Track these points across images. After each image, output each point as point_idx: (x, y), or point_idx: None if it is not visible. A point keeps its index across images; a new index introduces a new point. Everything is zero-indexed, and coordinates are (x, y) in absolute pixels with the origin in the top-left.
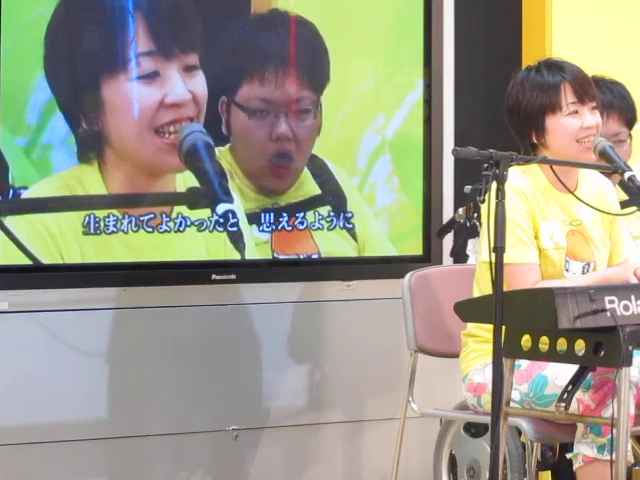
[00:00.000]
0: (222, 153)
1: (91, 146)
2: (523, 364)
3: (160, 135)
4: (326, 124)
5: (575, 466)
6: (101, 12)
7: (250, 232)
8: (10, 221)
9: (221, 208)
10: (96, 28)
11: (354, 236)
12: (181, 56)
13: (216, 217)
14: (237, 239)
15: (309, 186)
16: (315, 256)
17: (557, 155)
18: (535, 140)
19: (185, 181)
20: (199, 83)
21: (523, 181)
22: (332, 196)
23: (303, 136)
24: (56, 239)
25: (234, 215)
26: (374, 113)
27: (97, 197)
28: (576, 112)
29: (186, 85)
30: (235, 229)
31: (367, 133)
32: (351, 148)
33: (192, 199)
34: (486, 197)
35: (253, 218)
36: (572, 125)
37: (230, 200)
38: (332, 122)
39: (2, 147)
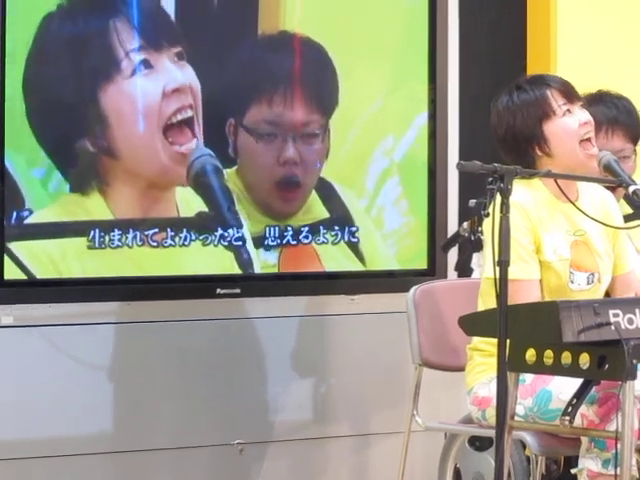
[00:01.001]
0: (229, 175)
1: (94, 169)
2: (527, 379)
3: (170, 142)
4: (334, 146)
5: None
6: (84, 27)
7: (258, 256)
8: (14, 246)
9: (230, 233)
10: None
11: (358, 252)
12: (169, 47)
13: (221, 232)
14: (242, 255)
15: (317, 210)
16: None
17: (563, 163)
18: (540, 152)
19: (188, 202)
20: (191, 74)
21: (524, 196)
22: (340, 219)
23: (311, 160)
24: (57, 264)
25: (243, 241)
26: (383, 134)
27: (103, 222)
28: (569, 111)
29: (181, 73)
30: (239, 243)
31: (375, 155)
32: (359, 170)
33: (201, 224)
34: (490, 211)
35: (260, 241)
36: (570, 124)
37: (239, 225)
38: (340, 144)
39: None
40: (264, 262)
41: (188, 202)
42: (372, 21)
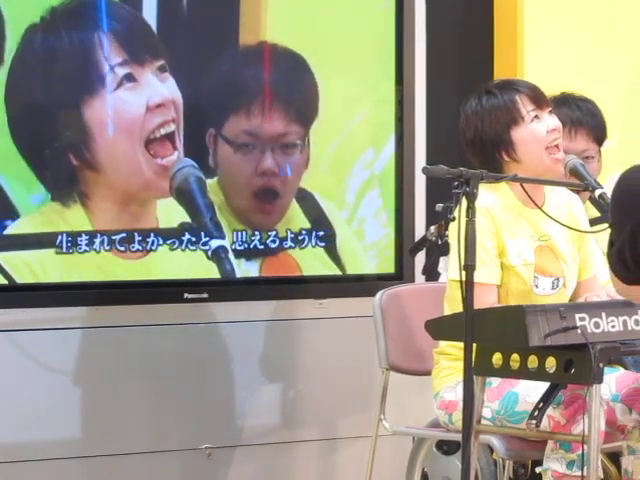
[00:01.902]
0: (210, 186)
1: (72, 183)
2: (494, 382)
3: (151, 154)
4: (315, 157)
5: None
6: (66, 40)
7: (239, 266)
8: None
9: (214, 244)
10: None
11: (339, 261)
12: (152, 60)
13: (188, 236)
14: (224, 265)
15: (298, 220)
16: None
17: (529, 168)
18: (507, 158)
19: (168, 214)
20: (173, 88)
21: (490, 199)
22: (321, 230)
23: (290, 171)
24: (22, 269)
25: (225, 251)
26: (364, 147)
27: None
28: (537, 117)
29: (165, 87)
30: (207, 247)
31: (357, 167)
32: (340, 181)
33: (182, 235)
34: (456, 214)
35: (241, 253)
36: (538, 130)
37: (222, 236)
38: (321, 155)
39: None
40: (246, 272)
41: (168, 214)
42: (351, 32)
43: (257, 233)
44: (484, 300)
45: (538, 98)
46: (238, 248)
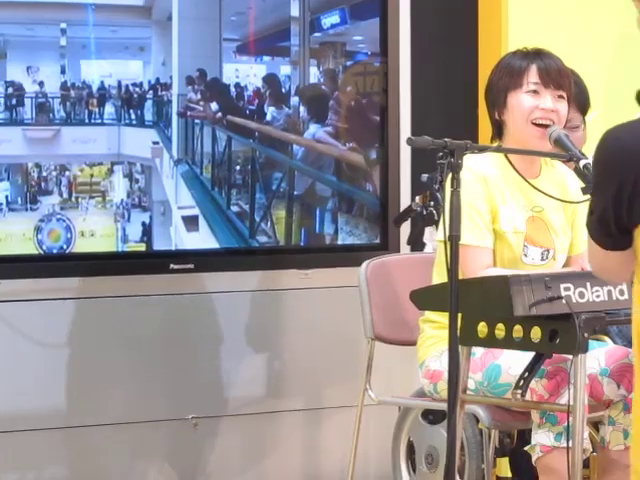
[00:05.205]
0: None
1: None
2: (477, 353)
3: None
4: None
5: (534, 458)
6: None
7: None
8: None
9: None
10: None
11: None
12: None
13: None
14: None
15: None
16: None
17: (514, 135)
18: (497, 117)
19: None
20: None
21: (485, 165)
22: None
23: None
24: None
25: None
26: None
27: None
28: (536, 92)
29: None
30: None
31: None
32: None
33: None
34: (447, 184)
35: None
36: (527, 102)
37: None
38: None
39: None
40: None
41: None
42: None
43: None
44: (481, 261)
45: (547, 76)
46: None
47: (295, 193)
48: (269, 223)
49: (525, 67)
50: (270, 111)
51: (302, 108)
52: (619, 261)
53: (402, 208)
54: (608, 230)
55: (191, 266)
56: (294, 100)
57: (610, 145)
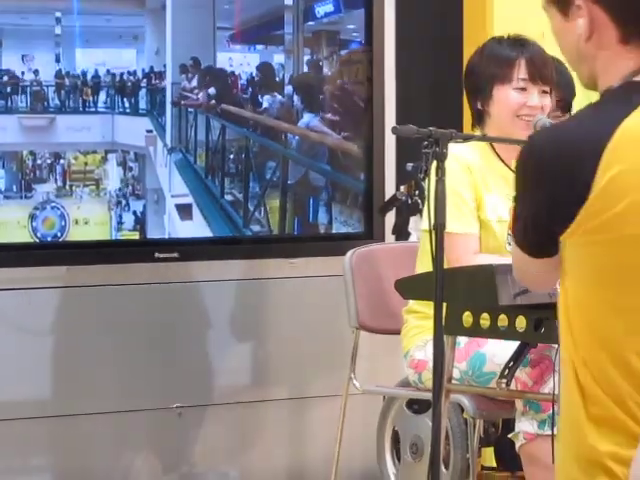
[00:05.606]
0: None
1: None
2: (462, 342)
3: None
4: None
5: (517, 445)
6: None
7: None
8: None
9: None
10: None
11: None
12: None
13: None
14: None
15: None
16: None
17: (496, 125)
18: (480, 107)
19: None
20: None
21: (470, 153)
22: None
23: None
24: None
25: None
26: None
27: None
28: (524, 89)
29: None
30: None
31: None
32: None
33: None
34: (432, 173)
35: None
36: (516, 99)
37: None
38: None
39: None
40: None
41: None
42: None
43: None
44: (468, 248)
45: (536, 71)
46: None
47: (289, 182)
48: (263, 212)
49: (514, 60)
50: (264, 99)
51: (296, 97)
52: (544, 268)
53: (387, 197)
54: (536, 236)
55: (176, 255)
56: (288, 89)
57: (545, 148)
